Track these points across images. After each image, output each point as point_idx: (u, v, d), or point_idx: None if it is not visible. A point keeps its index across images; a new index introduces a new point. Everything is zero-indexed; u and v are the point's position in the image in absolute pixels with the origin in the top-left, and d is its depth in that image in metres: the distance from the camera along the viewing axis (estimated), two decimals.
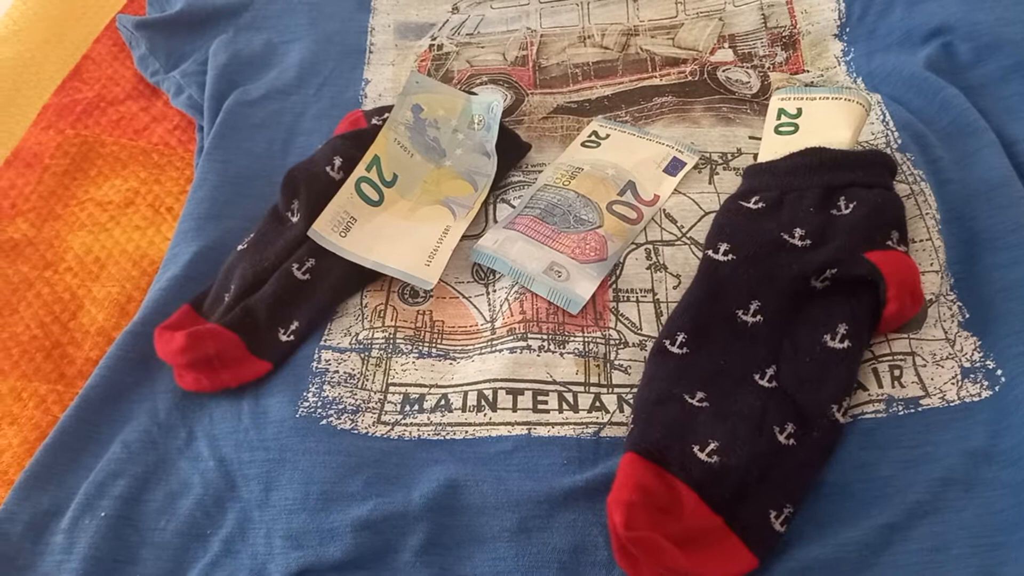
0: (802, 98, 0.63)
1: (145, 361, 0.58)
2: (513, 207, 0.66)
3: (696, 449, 0.48)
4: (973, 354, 0.54)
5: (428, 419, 0.55)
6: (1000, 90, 0.67)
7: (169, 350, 0.56)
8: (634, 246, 0.62)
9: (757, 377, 0.52)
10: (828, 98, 0.62)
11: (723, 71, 0.75)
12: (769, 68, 0.75)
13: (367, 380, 0.57)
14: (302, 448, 0.53)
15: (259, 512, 0.50)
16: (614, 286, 0.60)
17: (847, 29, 0.76)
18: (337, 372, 0.57)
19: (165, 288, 0.61)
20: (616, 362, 0.56)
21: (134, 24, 0.81)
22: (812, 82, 0.73)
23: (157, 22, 0.82)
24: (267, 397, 0.56)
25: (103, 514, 0.51)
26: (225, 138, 0.71)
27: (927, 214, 0.60)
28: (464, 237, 0.64)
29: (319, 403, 0.55)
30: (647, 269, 0.60)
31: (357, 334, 0.59)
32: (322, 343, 0.59)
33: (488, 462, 0.52)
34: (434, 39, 0.81)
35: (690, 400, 0.51)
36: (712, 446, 0.48)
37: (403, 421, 0.55)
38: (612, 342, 0.57)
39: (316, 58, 0.78)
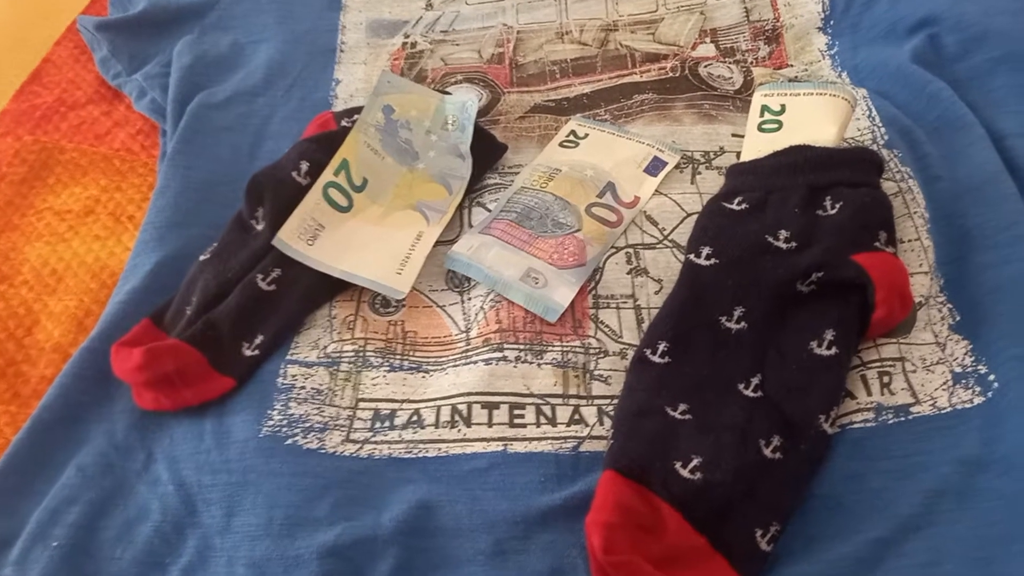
0: (786, 94, 0.61)
1: (103, 379, 0.55)
2: (489, 211, 0.63)
3: (678, 466, 0.46)
4: (964, 358, 0.52)
5: (399, 436, 0.52)
6: (988, 83, 0.65)
7: (126, 368, 0.53)
8: (614, 250, 0.60)
9: (742, 387, 0.50)
10: (812, 94, 0.60)
11: (705, 67, 0.72)
12: (752, 63, 0.73)
13: (335, 396, 0.54)
14: (266, 470, 0.50)
15: (220, 539, 0.48)
16: (593, 292, 0.58)
17: (831, 22, 0.74)
18: (304, 388, 0.54)
19: (124, 301, 0.59)
20: (596, 372, 0.54)
21: (95, 25, 0.78)
22: (796, 77, 0.71)
23: (119, 23, 0.79)
24: (230, 415, 0.53)
25: (56, 544, 0.48)
26: (189, 142, 0.68)
27: (915, 213, 0.58)
28: (438, 243, 0.61)
29: (285, 421, 0.53)
30: (628, 274, 0.58)
31: (325, 347, 0.56)
32: (288, 357, 0.56)
33: (462, 481, 0.50)
34: (407, 37, 0.78)
35: (672, 413, 0.49)
36: (695, 462, 0.46)
37: (373, 439, 0.52)
38: (592, 351, 0.55)
39: (285, 58, 0.76)
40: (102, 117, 0.75)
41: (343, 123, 0.65)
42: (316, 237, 0.59)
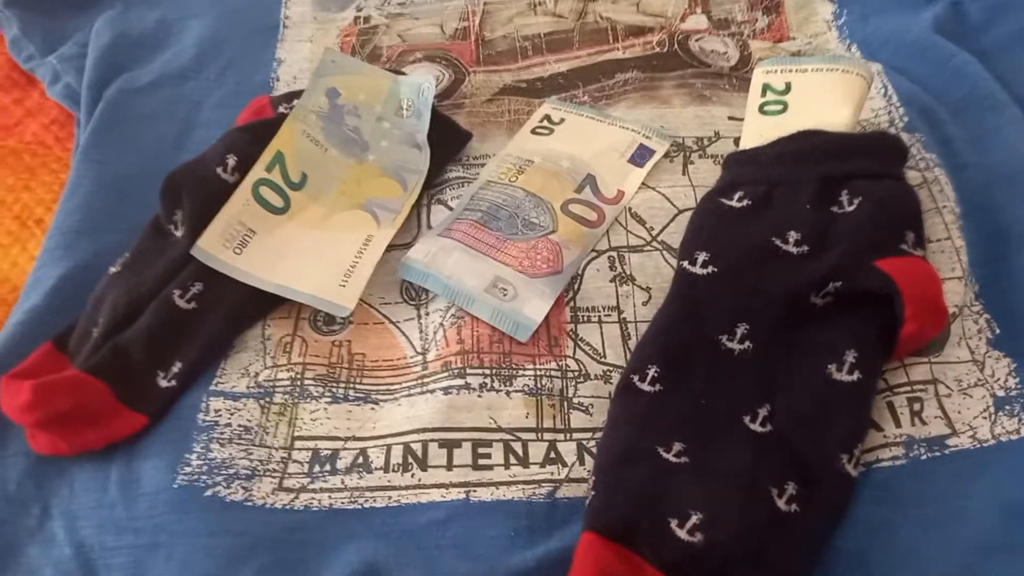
0: (791, 70, 0.53)
1: None
2: (450, 209, 0.55)
3: (674, 524, 0.38)
4: (1007, 380, 0.44)
5: (342, 482, 0.44)
6: (1018, 56, 0.57)
7: (14, 405, 0.45)
8: (595, 254, 0.52)
9: (747, 420, 0.42)
10: (822, 69, 0.52)
11: (696, 40, 0.64)
12: (749, 36, 0.65)
13: (267, 434, 0.46)
14: (180, 529, 0.42)
15: None
16: (571, 304, 0.50)
17: None
18: (229, 425, 0.46)
19: (23, 322, 0.50)
20: (575, 400, 0.46)
21: (3, 1, 0.69)
22: (799, 51, 0.64)
23: None
24: (141, 461, 0.45)
25: None
26: (105, 133, 0.60)
27: (944, 207, 0.50)
28: (391, 248, 0.53)
29: (205, 467, 0.44)
30: (611, 282, 0.50)
31: (256, 375, 0.48)
32: (212, 388, 0.48)
33: (416, 537, 0.42)
34: (360, 10, 0.70)
35: (665, 455, 0.41)
36: (694, 519, 0.38)
37: (311, 486, 0.44)
38: (570, 374, 0.47)
39: (219, 36, 0.67)
40: (12, 105, 0.66)
41: (281, 109, 0.56)
42: (245, 244, 0.50)
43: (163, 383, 0.47)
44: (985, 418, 0.43)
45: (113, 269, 0.51)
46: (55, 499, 0.45)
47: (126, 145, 0.60)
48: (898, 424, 0.43)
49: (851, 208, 0.46)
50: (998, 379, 0.44)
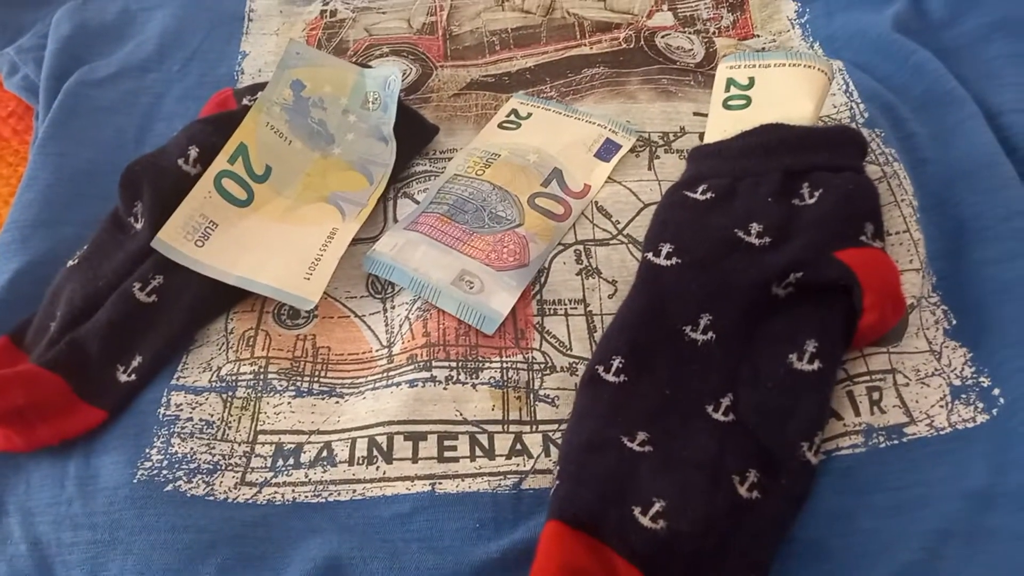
0: (754, 65, 0.53)
1: None
2: (417, 203, 0.55)
3: (638, 512, 0.38)
4: (963, 369, 0.45)
5: (306, 476, 0.43)
6: (980, 52, 0.58)
7: None
8: (561, 247, 0.52)
9: (710, 409, 0.42)
10: (784, 65, 0.53)
11: (662, 37, 0.65)
12: (714, 33, 0.65)
13: (230, 428, 0.45)
14: (139, 525, 0.41)
15: None
16: (538, 297, 0.49)
17: None
18: (191, 420, 0.45)
19: None
20: (541, 392, 0.46)
21: None
22: (764, 48, 0.64)
23: None
24: (99, 456, 0.44)
25: None
26: (63, 126, 0.59)
27: (903, 200, 0.51)
28: (356, 241, 0.53)
29: (165, 462, 0.44)
30: (577, 275, 0.50)
31: (219, 368, 0.47)
32: (173, 382, 0.47)
33: (381, 530, 0.42)
34: (326, 4, 0.69)
35: (629, 444, 0.41)
36: (657, 507, 0.38)
37: (274, 480, 0.43)
38: (536, 367, 0.47)
39: (183, 27, 0.67)
40: None
41: (245, 101, 0.55)
42: (207, 237, 0.50)
43: (123, 377, 0.46)
44: (942, 407, 0.44)
45: (71, 262, 0.50)
46: (11, 495, 0.44)
47: (85, 138, 0.59)
48: (857, 413, 0.44)
49: (812, 200, 0.47)
50: (955, 369, 0.45)
